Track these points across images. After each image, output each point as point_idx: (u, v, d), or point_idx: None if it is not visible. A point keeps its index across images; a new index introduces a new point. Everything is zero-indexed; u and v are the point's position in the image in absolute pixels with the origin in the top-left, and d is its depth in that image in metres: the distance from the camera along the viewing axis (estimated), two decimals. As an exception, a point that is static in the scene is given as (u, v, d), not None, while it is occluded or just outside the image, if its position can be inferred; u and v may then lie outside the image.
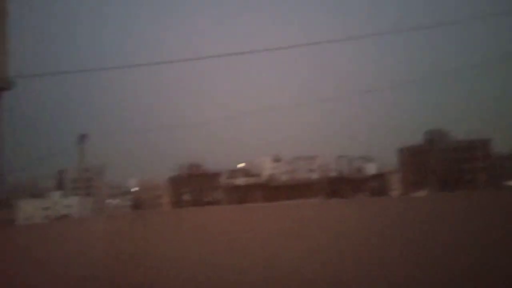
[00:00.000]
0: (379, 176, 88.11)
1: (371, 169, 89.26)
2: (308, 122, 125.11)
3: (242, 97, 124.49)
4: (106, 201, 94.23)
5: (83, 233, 24.29)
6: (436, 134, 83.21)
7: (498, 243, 11.54)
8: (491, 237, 12.67)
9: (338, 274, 7.90)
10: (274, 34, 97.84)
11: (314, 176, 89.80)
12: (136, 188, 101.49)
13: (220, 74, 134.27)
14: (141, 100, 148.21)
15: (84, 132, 72.43)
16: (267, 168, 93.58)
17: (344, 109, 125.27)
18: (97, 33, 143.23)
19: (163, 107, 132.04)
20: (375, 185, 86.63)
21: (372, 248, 11.26)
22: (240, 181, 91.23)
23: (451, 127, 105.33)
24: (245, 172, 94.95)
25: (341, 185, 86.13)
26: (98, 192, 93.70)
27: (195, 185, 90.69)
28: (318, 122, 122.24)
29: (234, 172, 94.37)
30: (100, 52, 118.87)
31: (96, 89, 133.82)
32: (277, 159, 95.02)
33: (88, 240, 16.85)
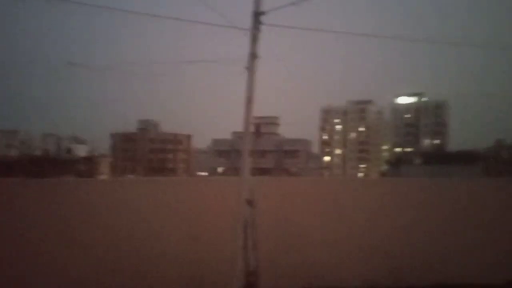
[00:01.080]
0: (89, 159, 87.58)
1: (81, 151, 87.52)
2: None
3: None
4: None
5: None
6: (148, 124, 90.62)
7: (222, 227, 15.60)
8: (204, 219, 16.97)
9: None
10: None
11: (14, 152, 79.93)
12: None
13: None
14: None
15: None
16: None
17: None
18: None
19: None
20: (84, 167, 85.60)
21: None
22: None
23: (162, 119, 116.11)
24: None
25: (45, 165, 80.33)
26: None
27: None
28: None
29: None
30: None
31: None
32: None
33: None
